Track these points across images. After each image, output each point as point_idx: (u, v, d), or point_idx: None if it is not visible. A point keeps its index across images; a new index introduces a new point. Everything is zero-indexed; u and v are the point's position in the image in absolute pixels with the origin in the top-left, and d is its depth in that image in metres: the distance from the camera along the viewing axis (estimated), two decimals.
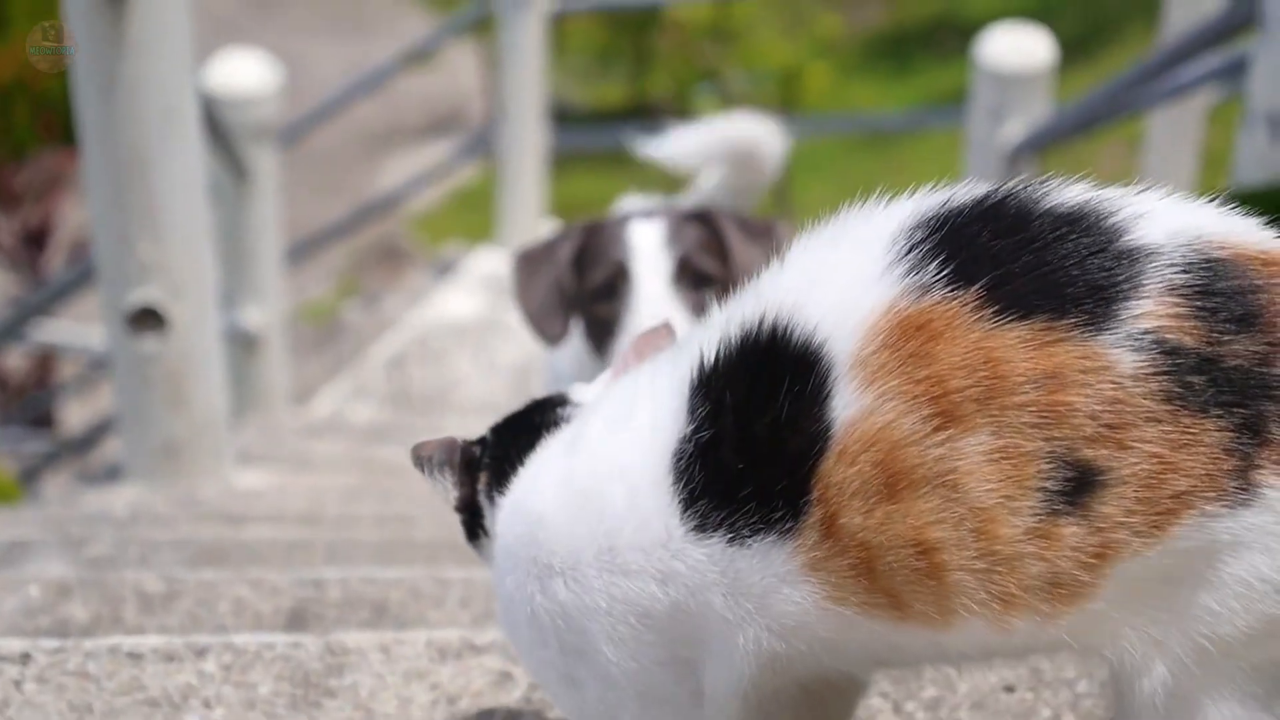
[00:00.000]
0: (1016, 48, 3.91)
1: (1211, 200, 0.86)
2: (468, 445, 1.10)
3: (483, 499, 1.09)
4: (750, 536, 0.88)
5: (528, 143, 5.44)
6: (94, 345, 4.37)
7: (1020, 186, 0.87)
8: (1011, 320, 0.80)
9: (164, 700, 1.37)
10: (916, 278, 0.83)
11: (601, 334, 1.99)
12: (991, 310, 0.80)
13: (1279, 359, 0.78)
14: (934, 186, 0.90)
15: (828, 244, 0.91)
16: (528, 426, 1.09)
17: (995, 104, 3.99)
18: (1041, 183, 0.87)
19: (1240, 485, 0.78)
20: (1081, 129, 4.01)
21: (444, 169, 5.78)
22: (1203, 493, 0.78)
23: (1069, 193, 0.86)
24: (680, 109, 9.12)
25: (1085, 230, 0.82)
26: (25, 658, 1.40)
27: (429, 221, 8.70)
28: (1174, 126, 5.02)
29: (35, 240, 6.80)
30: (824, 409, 0.84)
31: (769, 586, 0.88)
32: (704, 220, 2.01)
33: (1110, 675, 0.88)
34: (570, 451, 1.02)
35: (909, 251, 0.85)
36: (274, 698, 1.39)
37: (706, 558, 0.91)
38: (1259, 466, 0.78)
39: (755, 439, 0.87)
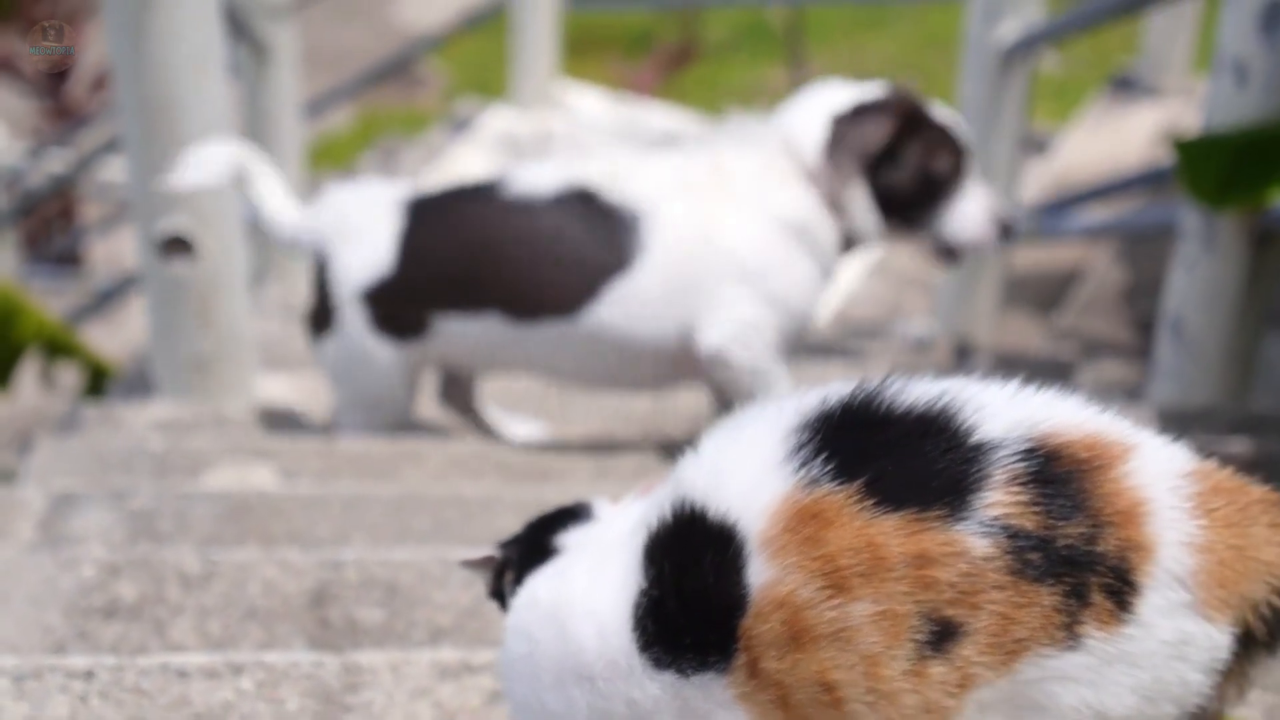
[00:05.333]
0: None
1: None
2: (503, 553, 1.33)
3: (507, 589, 1.32)
4: (693, 674, 1.10)
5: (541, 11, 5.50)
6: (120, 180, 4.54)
7: (880, 388, 1.07)
8: (887, 511, 1.00)
9: (208, 715, 1.62)
10: (806, 472, 1.04)
11: (916, 207, 2.54)
12: (871, 503, 1.01)
13: (1099, 539, 0.99)
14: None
15: (731, 439, 1.12)
16: (544, 542, 1.30)
17: (990, 3, 4.07)
18: (895, 383, 1.07)
19: (1068, 635, 1.00)
20: (1075, 30, 4.09)
21: (460, 25, 5.83)
22: (1038, 639, 1.00)
23: (921, 392, 1.06)
24: None
25: (940, 430, 1.03)
26: (89, 675, 1.64)
27: (442, 46, 8.71)
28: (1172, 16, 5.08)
29: (58, 69, 6.89)
30: (741, 577, 1.05)
31: (709, 711, 1.11)
32: None
33: None
34: (560, 581, 1.24)
35: (798, 449, 1.05)
36: (300, 713, 1.64)
37: (660, 689, 1.13)
38: (1083, 622, 0.99)
39: (690, 599, 1.09)
